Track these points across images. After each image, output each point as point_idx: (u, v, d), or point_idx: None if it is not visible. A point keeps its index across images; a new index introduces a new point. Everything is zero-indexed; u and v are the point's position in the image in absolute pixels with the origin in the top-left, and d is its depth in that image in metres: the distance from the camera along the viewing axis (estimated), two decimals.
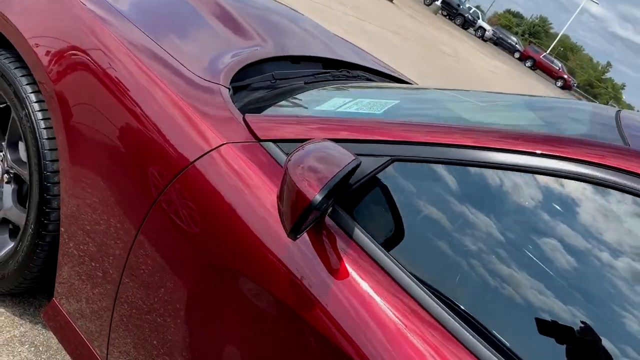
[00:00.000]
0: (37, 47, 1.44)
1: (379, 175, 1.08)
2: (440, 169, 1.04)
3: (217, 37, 1.70)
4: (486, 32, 37.32)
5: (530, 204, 0.99)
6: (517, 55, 39.90)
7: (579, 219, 0.97)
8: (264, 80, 1.58)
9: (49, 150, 1.44)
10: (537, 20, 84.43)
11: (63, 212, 1.40)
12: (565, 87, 39.20)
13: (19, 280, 1.57)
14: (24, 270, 1.54)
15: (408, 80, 2.44)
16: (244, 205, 1.10)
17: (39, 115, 1.46)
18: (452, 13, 35.44)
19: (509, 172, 0.99)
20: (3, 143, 1.64)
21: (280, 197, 0.94)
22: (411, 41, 13.51)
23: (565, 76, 40.00)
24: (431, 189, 1.05)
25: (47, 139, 1.44)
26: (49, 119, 1.45)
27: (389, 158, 1.06)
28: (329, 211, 1.06)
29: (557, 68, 40.29)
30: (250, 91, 1.51)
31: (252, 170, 1.13)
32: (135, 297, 1.26)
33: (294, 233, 0.91)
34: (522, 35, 72.93)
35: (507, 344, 0.93)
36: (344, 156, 0.97)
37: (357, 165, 1.00)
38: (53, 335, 1.67)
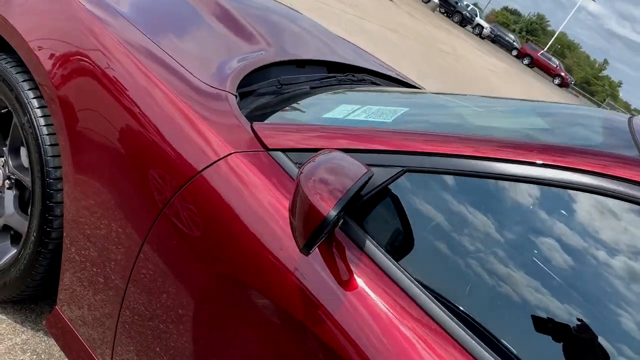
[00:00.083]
0: (38, 50, 1.42)
1: (391, 186, 1.06)
2: (453, 180, 1.03)
3: (222, 41, 1.68)
4: (484, 30, 37.30)
5: (546, 217, 0.97)
6: (514, 52, 39.88)
7: (594, 232, 0.96)
8: (270, 86, 1.56)
9: (51, 157, 1.42)
10: (534, 18, 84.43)
11: (66, 219, 1.38)
12: (563, 84, 39.23)
13: (21, 288, 1.55)
14: (26, 278, 1.52)
15: (412, 83, 2.42)
16: (252, 216, 1.08)
17: (42, 121, 1.44)
18: (450, 10, 35.40)
19: (525, 184, 0.98)
20: (4, 149, 1.62)
21: (292, 211, 0.93)
22: (410, 39, 13.49)
23: (563, 74, 40.01)
24: (444, 201, 1.03)
25: (50, 145, 1.42)
26: (52, 124, 1.42)
27: (400, 169, 1.05)
28: (340, 223, 1.04)
29: (555, 66, 40.30)
30: (256, 97, 1.49)
31: (260, 180, 1.11)
32: (140, 306, 1.25)
33: (307, 249, 0.89)
34: (520, 33, 72.94)
35: (520, 357, 0.92)
36: (356, 168, 0.95)
37: (370, 177, 0.98)
38: (55, 343, 1.64)
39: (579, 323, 0.92)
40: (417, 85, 2.43)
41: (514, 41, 41.14)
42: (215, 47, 1.63)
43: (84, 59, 1.35)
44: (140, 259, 1.23)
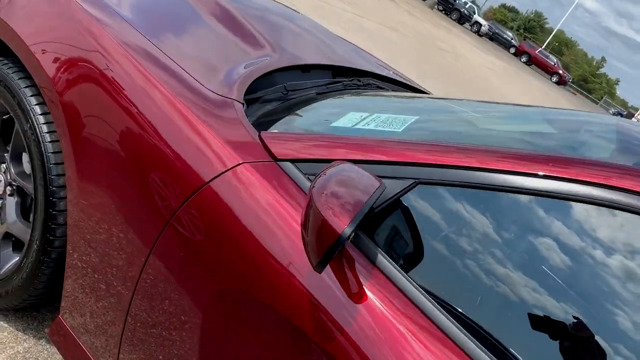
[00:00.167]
0: (41, 54, 1.39)
1: (402, 198, 1.04)
2: (468, 193, 1.01)
3: (226, 45, 1.65)
4: (482, 27, 37.24)
5: (565, 232, 0.96)
6: (512, 50, 39.85)
7: (615, 247, 0.94)
8: (276, 92, 1.53)
9: (54, 164, 1.39)
10: (532, 15, 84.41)
11: (70, 226, 1.36)
12: (561, 82, 39.25)
13: (24, 296, 1.53)
14: (28, 287, 1.50)
15: (415, 86, 2.40)
16: (261, 229, 1.06)
17: (44, 128, 1.41)
18: (448, 8, 35.33)
19: (542, 198, 0.96)
20: (6, 155, 1.59)
21: (304, 226, 0.91)
22: (410, 38, 13.46)
23: (561, 71, 40.02)
24: (458, 214, 1.02)
25: (53, 152, 1.40)
26: (55, 131, 1.40)
27: (413, 181, 1.03)
28: (351, 237, 1.02)
29: (553, 63, 40.30)
30: (263, 104, 1.47)
31: (269, 191, 1.09)
32: (146, 315, 1.23)
33: (320, 266, 0.87)
34: (518, 30, 72.91)
35: None
36: (369, 182, 0.93)
37: (383, 191, 0.96)
38: (57, 351, 1.62)
39: (596, 341, 0.91)
40: (421, 89, 2.41)
41: (512, 39, 41.11)
42: (219, 52, 1.61)
43: (88, 64, 1.33)
44: (146, 268, 1.21)
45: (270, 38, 1.84)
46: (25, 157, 1.56)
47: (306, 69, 1.78)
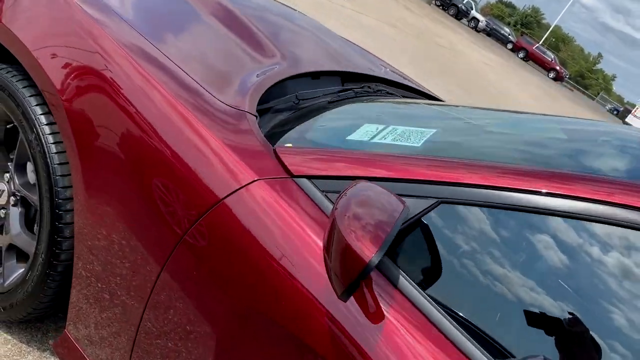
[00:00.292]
0: (45, 60, 1.35)
1: (424, 218, 1.01)
2: (494, 214, 0.98)
3: (235, 53, 1.61)
4: (479, 23, 37.12)
5: (599, 257, 0.92)
6: (509, 46, 39.80)
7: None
8: (287, 102, 1.50)
9: (60, 176, 1.36)
10: (529, 11, 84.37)
11: (77, 239, 1.32)
12: (558, 78, 39.24)
13: (28, 310, 1.49)
14: (34, 300, 1.46)
15: (424, 90, 2.36)
16: (277, 248, 1.03)
17: (50, 138, 1.37)
18: (446, 3, 35.23)
19: (569, 220, 0.93)
20: (10, 164, 1.55)
21: (327, 250, 0.87)
22: (409, 34, 13.42)
23: (558, 67, 39.99)
24: (483, 235, 0.98)
25: (59, 164, 1.36)
26: (61, 142, 1.36)
27: (435, 200, 0.99)
28: None
29: (550, 59, 40.26)
30: (274, 113, 1.43)
31: (285, 209, 1.06)
32: (157, 332, 1.20)
33: (346, 295, 0.84)
34: (515, 26, 72.84)
35: None
36: (394, 204, 0.90)
37: (407, 213, 0.93)
38: None
39: None
40: (429, 93, 2.38)
41: (509, 34, 41.04)
42: (228, 59, 1.57)
43: (95, 74, 1.29)
44: (158, 284, 1.18)
45: (278, 43, 1.80)
46: (29, 167, 1.52)
47: (316, 76, 1.74)
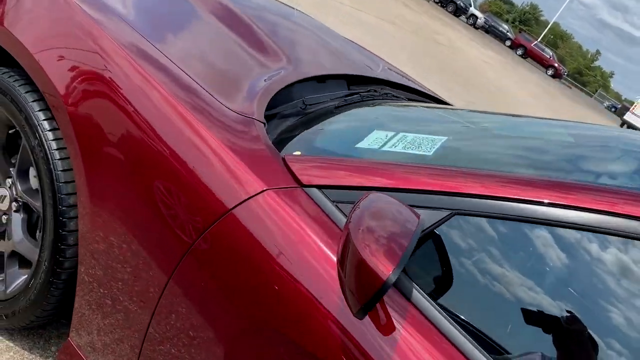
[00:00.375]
0: (47, 63, 1.32)
1: (437, 230, 0.99)
2: (510, 226, 0.96)
3: (241, 57, 1.59)
4: (478, 20, 37.01)
5: (618, 270, 0.91)
6: (508, 43, 39.72)
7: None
8: (294, 107, 1.47)
9: (64, 183, 1.33)
10: (527, 8, 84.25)
11: (81, 246, 1.30)
12: (556, 75, 39.19)
13: (31, 318, 1.47)
14: (37, 308, 1.44)
15: (430, 93, 2.34)
16: (288, 260, 1.01)
17: (54, 144, 1.35)
18: (444, 0, 35.16)
19: (587, 232, 0.91)
20: (12, 170, 1.52)
21: (341, 265, 0.85)
22: (408, 32, 13.38)
23: (556, 65, 39.95)
24: (499, 248, 0.97)
25: (63, 170, 1.33)
26: (65, 148, 1.34)
27: (449, 212, 0.97)
28: None
29: (548, 57, 40.19)
30: (281, 119, 1.41)
31: (295, 220, 1.04)
32: (164, 341, 1.18)
33: (362, 313, 0.82)
34: (513, 23, 72.73)
35: None
36: (409, 218, 0.88)
37: (423, 227, 0.91)
38: None
39: None
40: (435, 95, 2.36)
41: (507, 31, 40.96)
42: (235, 64, 1.55)
43: (99, 79, 1.27)
44: (165, 294, 1.16)
45: (282, 45, 1.78)
46: (32, 172, 1.49)
47: (321, 79, 1.72)
